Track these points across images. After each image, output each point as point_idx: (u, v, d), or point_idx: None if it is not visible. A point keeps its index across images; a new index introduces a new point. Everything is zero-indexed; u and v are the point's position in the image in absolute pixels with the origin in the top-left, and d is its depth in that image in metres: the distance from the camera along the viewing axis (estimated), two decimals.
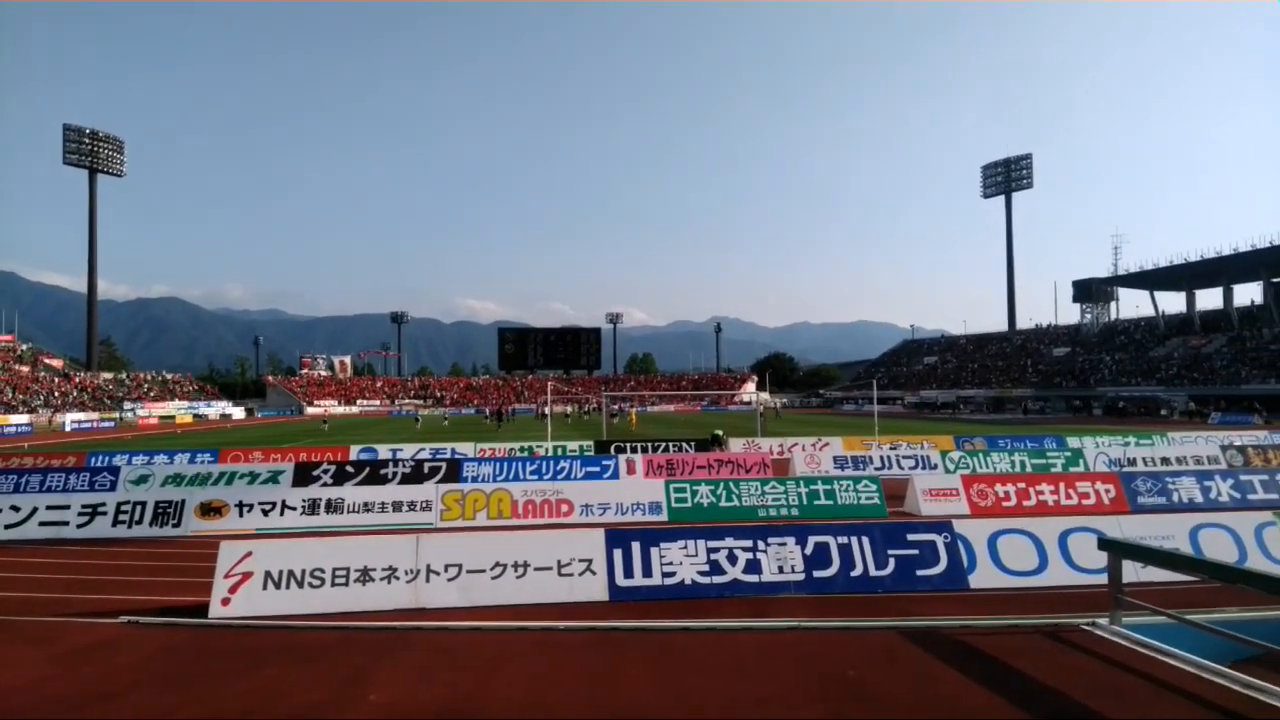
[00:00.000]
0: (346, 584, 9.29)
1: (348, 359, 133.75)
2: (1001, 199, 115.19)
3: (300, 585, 9.23)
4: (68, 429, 61.67)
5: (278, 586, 9.19)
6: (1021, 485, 15.96)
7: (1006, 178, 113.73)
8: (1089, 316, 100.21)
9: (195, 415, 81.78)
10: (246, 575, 9.20)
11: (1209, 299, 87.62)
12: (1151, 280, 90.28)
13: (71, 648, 7.92)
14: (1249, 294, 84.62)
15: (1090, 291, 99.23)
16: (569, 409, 78.35)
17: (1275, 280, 78.30)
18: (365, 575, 9.36)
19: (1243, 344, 73.73)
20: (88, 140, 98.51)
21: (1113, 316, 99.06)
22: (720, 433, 28.25)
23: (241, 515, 14.77)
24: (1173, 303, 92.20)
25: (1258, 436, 29.27)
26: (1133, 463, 21.78)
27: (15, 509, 14.25)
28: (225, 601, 9.04)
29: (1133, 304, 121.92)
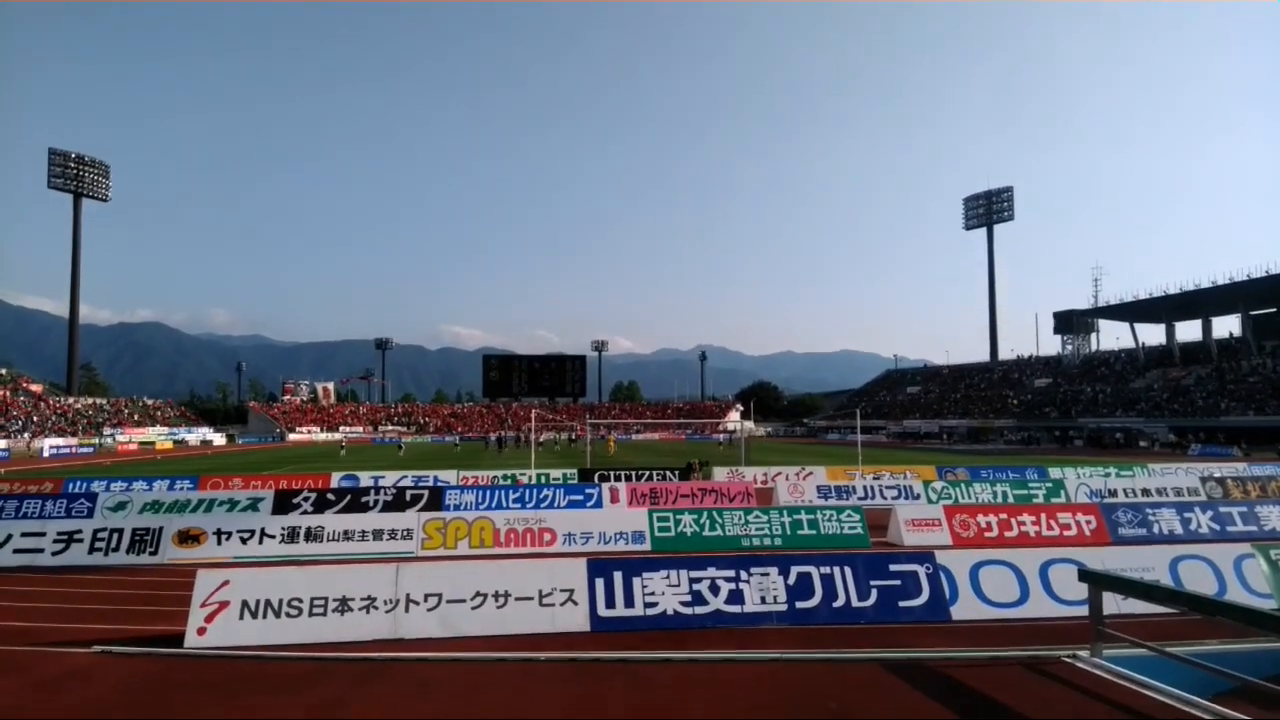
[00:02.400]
0: (325, 614, 9.18)
1: (331, 385, 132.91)
2: (983, 230, 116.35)
3: (278, 615, 9.11)
4: (46, 454, 60.81)
5: (255, 616, 9.07)
6: (1003, 516, 16.01)
7: (988, 210, 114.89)
8: (1070, 348, 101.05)
9: (176, 441, 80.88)
10: (223, 604, 9.08)
11: (1188, 331, 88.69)
12: (1131, 312, 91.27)
13: (43, 678, 7.78)
14: (1227, 326, 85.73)
15: (1071, 323, 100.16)
16: (558, 437, 77.68)
17: (1253, 313, 79.38)
18: (344, 605, 9.25)
19: (1222, 376, 74.52)
20: (73, 165, 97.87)
21: (1093, 348, 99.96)
22: (695, 461, 28.06)
23: (220, 543, 14.59)
24: (1152, 334, 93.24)
25: (1237, 469, 29.51)
26: (1114, 494, 21.89)
27: None
28: (201, 631, 8.92)
29: (1113, 335, 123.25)
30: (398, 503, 18.69)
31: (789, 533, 15.41)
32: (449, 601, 9.45)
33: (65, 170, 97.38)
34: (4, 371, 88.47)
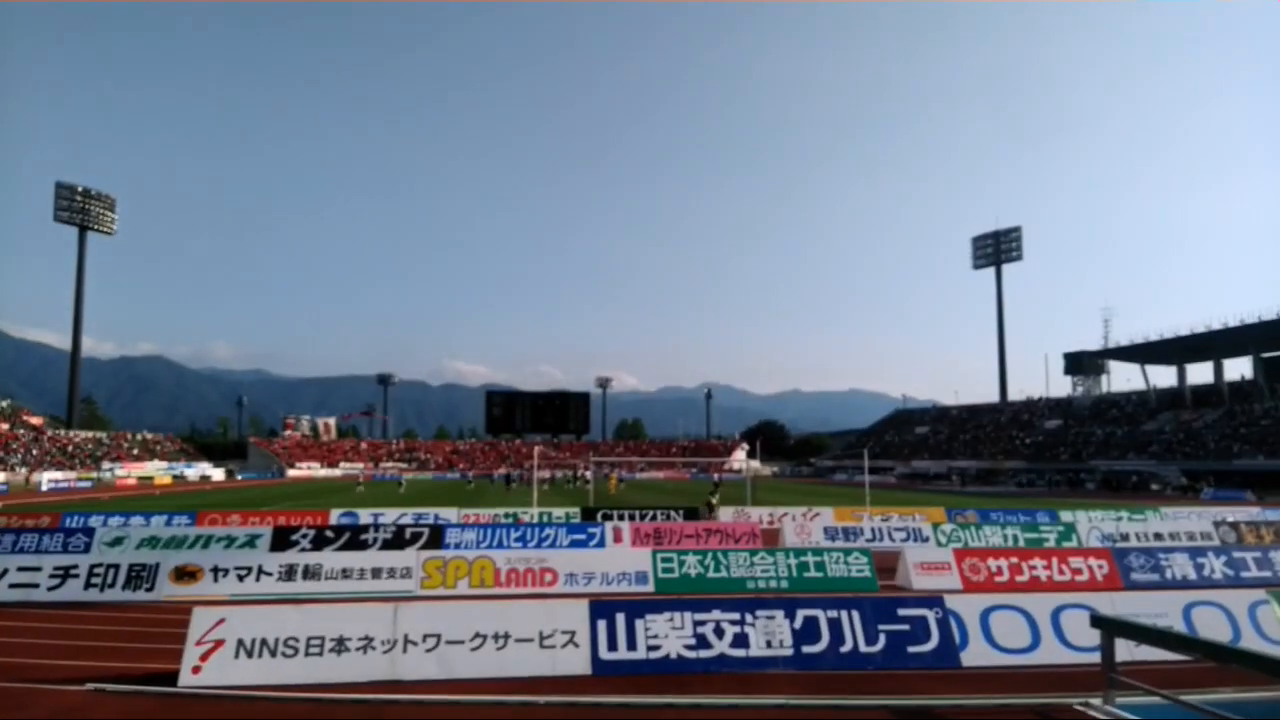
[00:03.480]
0: (321, 654, 9.02)
1: (332, 421, 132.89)
2: (991, 270, 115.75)
3: (273, 654, 8.95)
4: (44, 488, 60.60)
5: (250, 655, 8.91)
6: (1014, 560, 15.76)
7: (996, 249, 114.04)
8: (1080, 389, 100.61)
9: (175, 476, 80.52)
10: (219, 643, 8.93)
11: (1200, 373, 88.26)
12: (1142, 354, 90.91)
13: (35, 715, 7.65)
14: (1239, 369, 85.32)
15: (1081, 364, 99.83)
16: (567, 474, 76.76)
17: (1264, 355, 79.10)
18: (340, 645, 9.09)
19: (1234, 419, 74.04)
20: (79, 198, 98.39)
21: (1104, 389, 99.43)
22: (711, 499, 27.97)
23: (217, 580, 14.40)
24: (1164, 376, 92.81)
25: (1250, 513, 29.19)
26: (1125, 538, 21.62)
27: None
28: (196, 670, 8.76)
29: (1124, 377, 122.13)
30: (397, 541, 18.45)
31: (795, 575, 15.19)
32: (448, 642, 9.28)
33: (71, 203, 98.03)
34: (5, 404, 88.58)
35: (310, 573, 14.59)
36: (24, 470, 69.68)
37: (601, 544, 19.30)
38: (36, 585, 13.88)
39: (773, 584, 15.00)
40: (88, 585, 14.01)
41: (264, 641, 9.00)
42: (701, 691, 8.50)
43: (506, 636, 9.41)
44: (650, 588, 14.88)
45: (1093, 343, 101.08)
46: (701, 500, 29.21)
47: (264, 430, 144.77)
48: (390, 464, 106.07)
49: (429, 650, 9.22)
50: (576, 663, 9.35)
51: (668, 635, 9.68)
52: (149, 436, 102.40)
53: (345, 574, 14.63)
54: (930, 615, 10.16)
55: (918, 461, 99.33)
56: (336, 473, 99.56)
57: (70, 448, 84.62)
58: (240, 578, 14.48)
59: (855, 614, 10.09)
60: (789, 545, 19.68)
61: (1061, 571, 15.53)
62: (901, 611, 10.22)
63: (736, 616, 9.92)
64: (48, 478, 65.04)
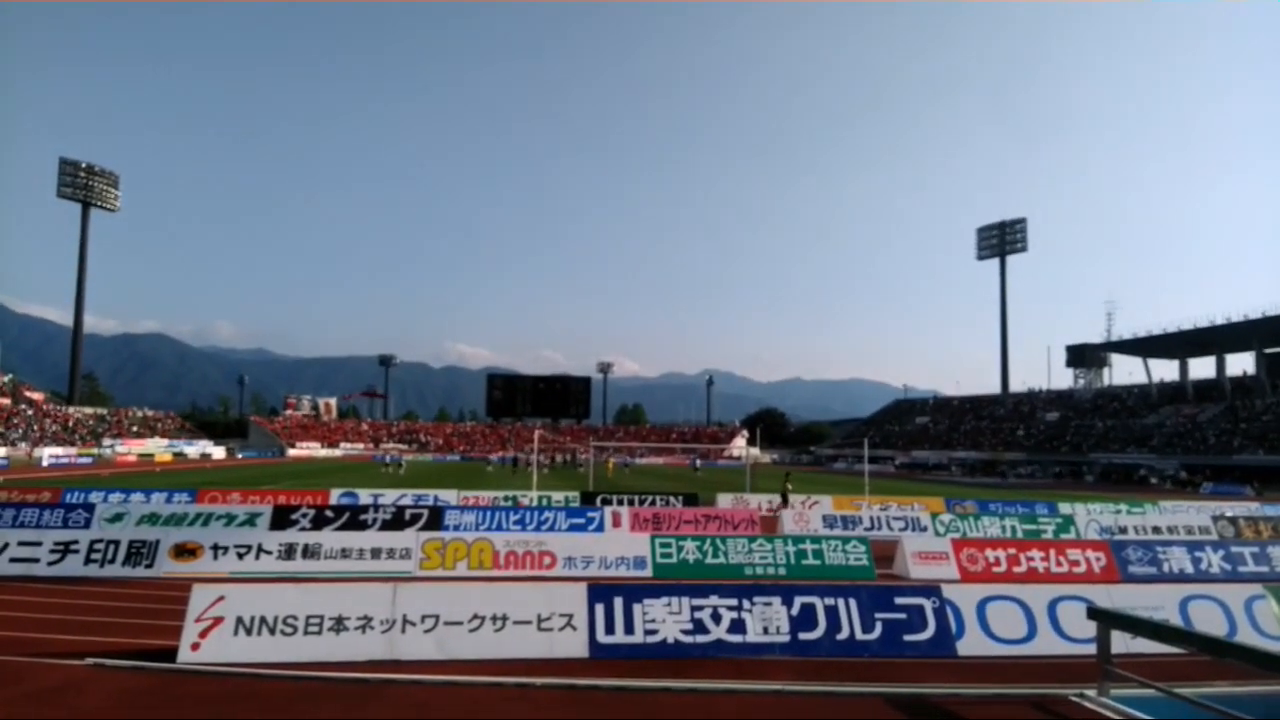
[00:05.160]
0: (320, 632, 9.05)
1: (333, 401, 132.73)
2: (996, 261, 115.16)
3: (272, 632, 8.99)
4: (45, 463, 60.74)
5: (249, 633, 8.95)
6: (1012, 551, 15.78)
7: (1001, 240, 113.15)
8: (1082, 382, 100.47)
9: (175, 454, 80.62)
10: (218, 620, 8.96)
11: (1202, 367, 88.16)
12: (1144, 347, 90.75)
13: (34, 689, 7.66)
14: (1241, 364, 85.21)
15: (1083, 356, 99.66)
16: (561, 459, 76.86)
17: (1267, 351, 78.93)
18: (339, 624, 9.12)
19: (1235, 414, 73.98)
20: (83, 174, 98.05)
21: (1105, 382, 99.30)
22: (789, 486, 28.73)
23: (216, 558, 14.45)
24: (1166, 370, 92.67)
25: (1249, 508, 29.22)
26: (1124, 531, 21.65)
27: None
28: (195, 646, 8.79)
29: (1126, 370, 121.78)
30: (397, 521, 18.48)
31: (793, 562, 15.24)
32: (446, 623, 9.31)
33: (75, 180, 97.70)
34: (6, 379, 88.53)
35: (310, 552, 14.63)
36: (25, 445, 69.80)
37: (600, 528, 19.35)
38: (37, 560, 13.93)
39: (770, 571, 15.05)
40: (88, 561, 14.06)
41: (263, 619, 9.04)
42: (698, 676, 8.53)
43: (504, 618, 9.44)
44: (648, 572, 14.92)
45: (1095, 335, 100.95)
46: (777, 489, 29.63)
47: (265, 409, 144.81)
48: (390, 445, 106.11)
49: (427, 631, 9.25)
50: (574, 645, 9.38)
51: (665, 620, 9.71)
52: (150, 414, 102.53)
53: (344, 554, 14.67)
54: (927, 604, 10.19)
55: (918, 451, 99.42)
56: (337, 453, 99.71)
57: (71, 423, 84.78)
58: (240, 556, 14.53)
59: (852, 602, 10.11)
60: (787, 533, 19.73)
61: (1059, 563, 15.56)
62: (898, 600, 10.24)
63: (734, 602, 9.94)
64: (48, 453, 65.15)
